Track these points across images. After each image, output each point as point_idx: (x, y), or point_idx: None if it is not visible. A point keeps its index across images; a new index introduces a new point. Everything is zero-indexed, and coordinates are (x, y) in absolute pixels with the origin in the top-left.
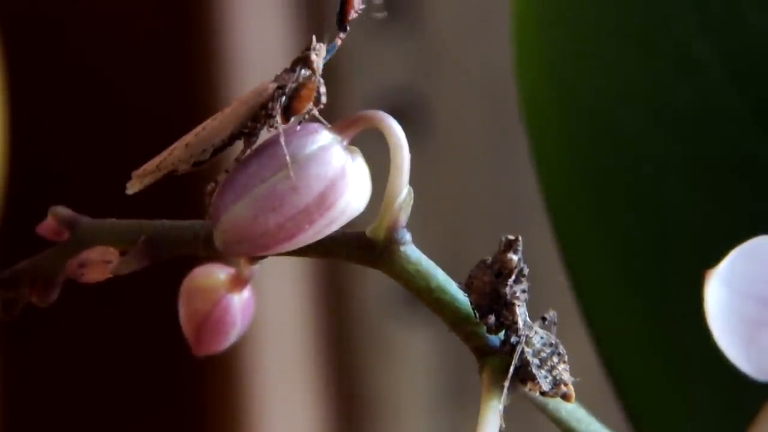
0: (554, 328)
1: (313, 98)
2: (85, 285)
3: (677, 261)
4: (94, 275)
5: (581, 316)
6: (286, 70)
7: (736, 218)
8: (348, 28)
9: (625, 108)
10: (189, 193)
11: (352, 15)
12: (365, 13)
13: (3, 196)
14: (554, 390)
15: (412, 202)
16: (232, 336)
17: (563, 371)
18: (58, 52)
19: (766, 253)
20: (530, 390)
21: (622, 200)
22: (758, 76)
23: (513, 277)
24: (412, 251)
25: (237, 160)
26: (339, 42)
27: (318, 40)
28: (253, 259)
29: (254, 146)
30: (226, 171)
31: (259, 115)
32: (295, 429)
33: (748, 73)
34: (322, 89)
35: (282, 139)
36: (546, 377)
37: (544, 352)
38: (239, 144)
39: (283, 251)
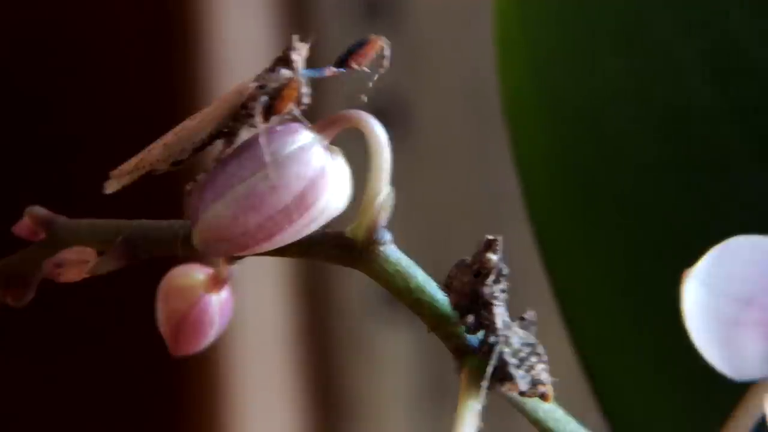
0: (533, 329)
1: (295, 98)
2: (63, 285)
3: (657, 261)
4: (71, 275)
5: (560, 317)
6: (266, 70)
7: (715, 217)
8: (343, 69)
9: (607, 108)
10: (168, 192)
11: (354, 66)
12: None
13: None
14: (532, 390)
15: (392, 202)
16: (211, 336)
17: (541, 371)
18: (38, 50)
19: (743, 253)
20: (508, 390)
21: (603, 200)
22: (740, 76)
23: (492, 277)
24: (391, 251)
25: (216, 159)
26: (328, 73)
27: (300, 40)
28: (232, 259)
29: (234, 146)
30: (206, 171)
31: (239, 114)
32: (274, 429)
33: (728, 73)
34: (305, 89)
35: (262, 139)
36: (524, 377)
37: (522, 352)
38: (219, 143)
39: (262, 251)
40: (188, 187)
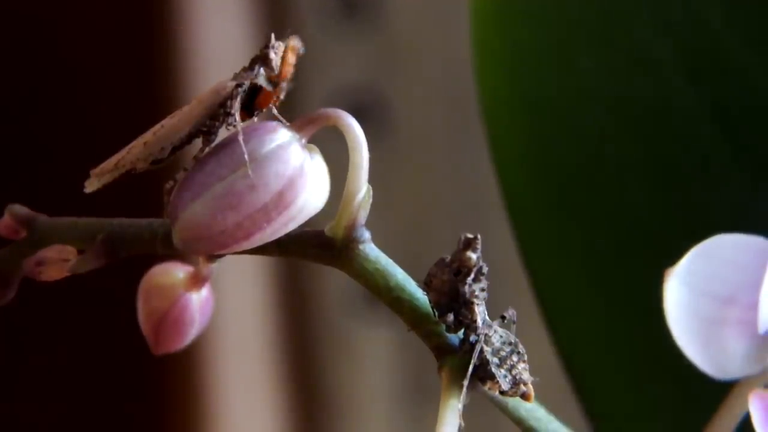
0: (513, 327)
1: (273, 97)
2: (44, 283)
3: (636, 259)
4: (52, 274)
5: (541, 315)
6: (244, 69)
7: (695, 216)
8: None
9: (584, 107)
10: (148, 191)
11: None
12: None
13: None
14: (513, 389)
15: (371, 200)
16: (191, 334)
17: (522, 370)
18: (18, 49)
19: (724, 252)
20: (489, 389)
21: (582, 199)
22: (716, 76)
23: (472, 275)
24: (370, 250)
25: (195, 158)
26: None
27: (277, 38)
28: (212, 258)
29: (213, 144)
30: (185, 169)
31: (218, 113)
32: (255, 428)
33: (707, 72)
34: (284, 85)
35: (240, 138)
36: (505, 376)
37: (503, 351)
38: (198, 142)
39: (241, 249)
40: (167, 186)
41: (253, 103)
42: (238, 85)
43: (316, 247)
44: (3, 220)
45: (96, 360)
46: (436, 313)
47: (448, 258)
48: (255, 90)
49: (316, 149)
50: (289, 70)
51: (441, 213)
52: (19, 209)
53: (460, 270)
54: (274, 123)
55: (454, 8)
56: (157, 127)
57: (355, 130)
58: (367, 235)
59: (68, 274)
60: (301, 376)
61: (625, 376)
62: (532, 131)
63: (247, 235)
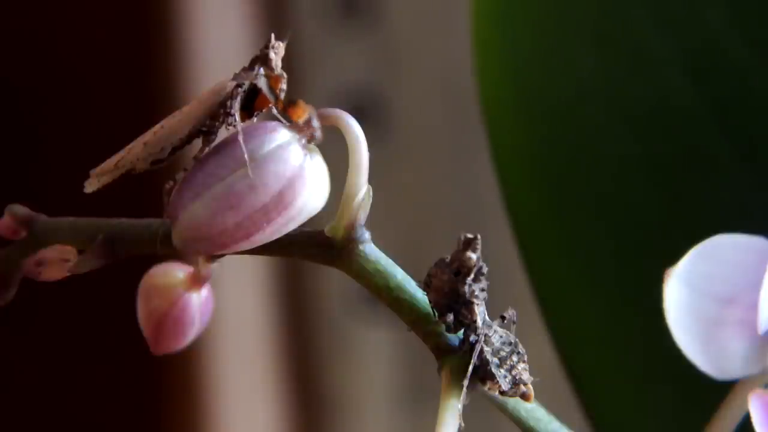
0: (513, 327)
1: (273, 97)
2: (42, 283)
3: (637, 260)
4: (52, 274)
5: (541, 315)
6: (244, 69)
7: (696, 217)
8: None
9: (584, 107)
10: (148, 191)
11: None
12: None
13: None
14: (513, 389)
15: (371, 200)
16: (191, 335)
17: (522, 371)
18: (17, 51)
19: (724, 252)
20: (489, 389)
21: (582, 199)
22: (717, 76)
23: (472, 275)
24: (370, 250)
25: (195, 158)
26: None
27: (277, 39)
28: (212, 258)
29: (213, 144)
30: (185, 169)
31: (218, 113)
32: (255, 427)
33: (707, 72)
34: (283, 88)
35: (240, 138)
36: (505, 377)
37: (503, 351)
38: (198, 142)
39: (241, 250)
40: (167, 186)
41: (253, 103)
42: (238, 85)
43: (316, 247)
44: (3, 220)
45: (95, 360)
46: (436, 313)
47: (448, 258)
48: (255, 90)
49: (316, 149)
50: (263, 105)
51: (441, 213)
52: (19, 209)
53: (460, 270)
54: (274, 123)
55: (454, 8)
56: (157, 127)
57: (355, 130)
58: (366, 235)
59: (68, 274)
60: (301, 376)
61: (625, 376)
62: (531, 131)
63: (247, 236)
